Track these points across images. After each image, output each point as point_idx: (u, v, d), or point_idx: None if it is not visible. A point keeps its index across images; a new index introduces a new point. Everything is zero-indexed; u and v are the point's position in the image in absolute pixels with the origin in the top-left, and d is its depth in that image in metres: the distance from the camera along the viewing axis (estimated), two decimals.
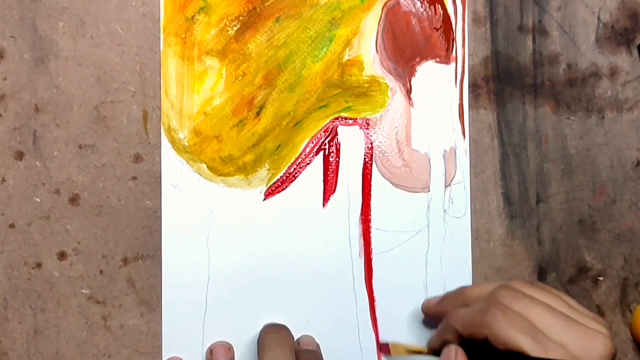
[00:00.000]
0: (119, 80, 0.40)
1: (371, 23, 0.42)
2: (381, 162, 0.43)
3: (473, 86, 0.44)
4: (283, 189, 0.41)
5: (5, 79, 0.39)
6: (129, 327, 0.40)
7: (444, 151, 0.43)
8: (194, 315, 0.40)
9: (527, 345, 0.34)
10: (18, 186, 0.39)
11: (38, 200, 0.39)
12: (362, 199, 0.42)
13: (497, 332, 0.35)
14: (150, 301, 0.40)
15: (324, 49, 0.42)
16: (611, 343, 0.34)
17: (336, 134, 0.42)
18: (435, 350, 0.39)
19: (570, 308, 0.36)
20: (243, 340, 0.41)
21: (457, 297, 0.41)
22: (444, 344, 0.38)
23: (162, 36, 0.40)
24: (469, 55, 0.44)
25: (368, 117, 0.42)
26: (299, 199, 0.41)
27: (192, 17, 0.40)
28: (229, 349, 0.40)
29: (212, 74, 0.41)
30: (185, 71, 0.40)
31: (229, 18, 0.41)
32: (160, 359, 0.40)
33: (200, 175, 0.40)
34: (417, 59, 0.43)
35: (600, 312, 0.45)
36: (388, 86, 0.43)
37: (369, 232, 0.42)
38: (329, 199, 0.42)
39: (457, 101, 0.43)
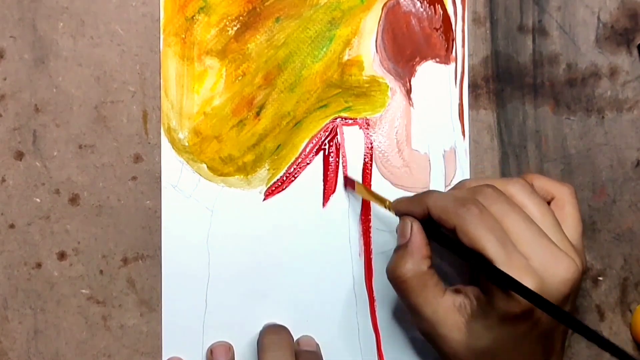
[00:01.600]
0: (119, 80, 0.40)
1: (371, 23, 0.42)
2: (381, 162, 0.43)
3: (473, 86, 0.44)
4: (283, 189, 0.41)
5: (5, 79, 0.39)
6: (129, 327, 0.40)
7: (444, 151, 0.43)
8: (194, 315, 0.40)
9: (491, 247, 0.33)
10: (18, 186, 0.39)
11: (38, 200, 0.39)
12: (362, 199, 0.42)
13: (467, 226, 0.34)
14: (150, 301, 0.40)
15: (324, 49, 0.42)
16: (575, 268, 0.34)
17: (336, 134, 0.42)
18: (395, 211, 0.39)
19: (552, 227, 0.35)
20: (243, 340, 0.41)
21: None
22: (405, 213, 0.38)
23: (162, 36, 0.40)
24: (469, 55, 0.44)
25: (368, 117, 0.42)
26: (299, 199, 0.41)
27: (192, 17, 0.40)
28: (229, 349, 0.40)
29: (212, 74, 0.41)
30: (185, 71, 0.40)
31: (229, 18, 0.41)
32: (160, 359, 0.40)
33: (200, 175, 0.40)
34: (417, 59, 0.43)
35: (600, 312, 0.45)
36: (388, 86, 0.43)
37: (369, 232, 0.42)
38: (329, 199, 0.42)
39: (457, 101, 0.43)
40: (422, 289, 0.35)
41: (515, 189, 0.36)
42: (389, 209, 0.39)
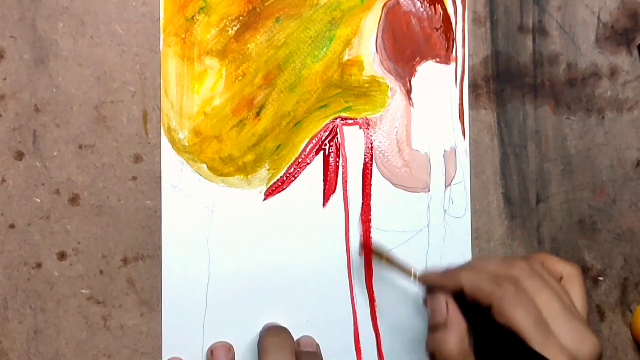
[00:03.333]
0: (119, 80, 0.40)
1: (371, 23, 0.42)
2: (381, 162, 0.43)
3: (473, 86, 0.44)
4: (283, 189, 0.41)
5: (5, 79, 0.39)
6: (129, 327, 0.40)
7: (444, 151, 0.43)
8: (194, 315, 0.40)
9: (528, 327, 0.33)
10: (18, 186, 0.39)
11: (38, 200, 0.39)
12: (362, 199, 0.42)
13: (503, 305, 0.34)
14: (150, 301, 0.40)
15: (324, 49, 0.42)
16: (599, 346, 0.34)
17: (336, 134, 0.42)
18: (424, 284, 0.38)
19: (572, 306, 0.36)
20: (243, 340, 0.41)
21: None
22: (434, 289, 0.37)
23: (162, 36, 0.40)
24: (469, 55, 0.44)
25: (368, 117, 0.42)
26: (299, 199, 0.41)
27: (192, 17, 0.40)
28: (229, 349, 0.40)
29: (212, 74, 0.41)
30: (185, 71, 0.40)
31: (229, 18, 0.41)
32: (160, 359, 0.40)
33: (200, 175, 0.40)
34: (417, 59, 0.43)
35: (600, 312, 0.45)
36: (388, 86, 0.43)
37: (369, 232, 0.42)
38: (329, 199, 0.42)
39: (457, 101, 0.43)
40: None
41: (538, 265, 0.37)
42: (415, 280, 0.39)
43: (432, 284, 0.38)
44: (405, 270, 0.40)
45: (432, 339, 0.36)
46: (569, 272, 0.38)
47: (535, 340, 0.33)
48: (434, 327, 0.36)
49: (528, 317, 0.34)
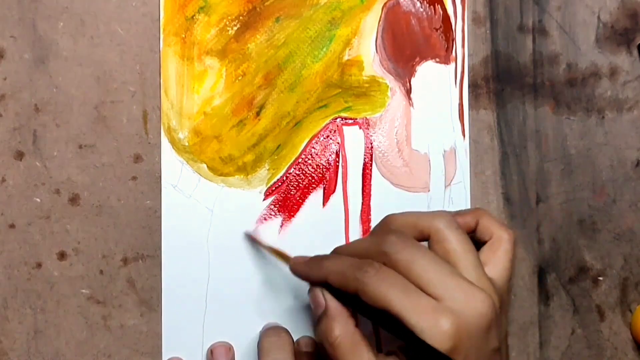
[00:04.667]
0: (119, 80, 0.40)
1: (371, 23, 0.42)
2: (381, 162, 0.43)
3: (473, 86, 0.44)
4: (283, 189, 0.41)
5: (5, 79, 0.39)
6: (129, 327, 0.40)
7: (444, 151, 0.43)
8: (194, 315, 0.40)
9: (395, 300, 0.32)
10: (18, 186, 0.39)
11: (38, 200, 0.39)
12: (362, 199, 0.42)
13: (366, 288, 0.33)
14: (150, 301, 0.40)
15: (324, 49, 0.42)
16: (490, 302, 0.33)
17: (336, 133, 0.42)
18: (293, 272, 0.38)
19: (471, 264, 0.35)
20: (243, 340, 0.41)
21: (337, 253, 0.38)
22: (303, 276, 0.37)
23: (162, 36, 0.40)
24: (469, 55, 0.44)
25: (368, 117, 0.42)
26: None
27: (192, 17, 0.40)
28: (229, 349, 0.40)
29: (212, 74, 0.41)
30: (185, 71, 0.40)
31: (229, 18, 0.41)
32: (160, 359, 0.40)
33: (200, 175, 0.40)
34: (417, 59, 0.43)
35: (600, 312, 0.45)
36: (388, 86, 0.43)
37: (369, 232, 0.42)
38: (329, 199, 0.42)
39: (457, 101, 0.43)
40: (356, 350, 0.34)
41: (440, 223, 0.36)
42: (290, 268, 0.39)
43: (299, 274, 0.38)
44: (285, 259, 0.39)
45: (317, 330, 0.36)
46: (500, 236, 0.38)
47: (405, 310, 0.32)
48: (318, 320, 0.36)
49: (393, 290, 0.33)
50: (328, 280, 0.35)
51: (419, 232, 0.36)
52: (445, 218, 0.36)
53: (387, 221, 0.38)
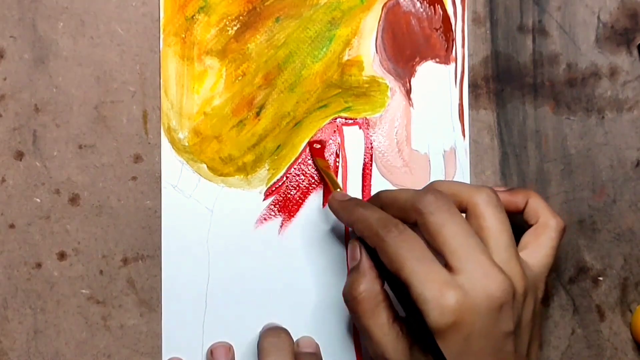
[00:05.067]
0: (119, 80, 0.40)
1: (371, 23, 0.42)
2: (381, 162, 0.43)
3: (473, 86, 0.44)
4: (283, 189, 0.41)
5: (5, 79, 0.39)
6: (129, 327, 0.40)
7: (444, 151, 0.43)
8: (194, 315, 0.40)
9: (408, 265, 0.32)
10: (18, 186, 0.39)
11: (38, 200, 0.39)
12: (362, 199, 0.42)
13: (385, 247, 0.33)
14: (150, 301, 0.40)
15: (324, 49, 0.42)
16: (507, 287, 0.32)
17: (336, 134, 0.42)
18: (329, 205, 0.38)
19: (504, 245, 0.34)
20: (243, 340, 0.41)
21: (376, 199, 0.37)
22: (335, 213, 0.37)
23: (162, 36, 0.40)
24: (469, 55, 0.44)
25: (368, 117, 0.42)
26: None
27: (192, 17, 0.40)
28: (229, 349, 0.40)
29: (212, 74, 0.41)
30: (185, 71, 0.40)
31: (229, 18, 0.41)
32: (160, 359, 0.40)
33: (200, 175, 0.40)
34: (417, 59, 0.43)
35: (600, 312, 0.45)
36: (388, 86, 0.43)
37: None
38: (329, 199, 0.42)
39: (457, 101, 0.43)
40: (375, 310, 0.34)
41: (480, 198, 0.35)
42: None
43: (333, 211, 0.38)
44: (333, 185, 0.39)
45: (346, 283, 0.36)
46: (548, 222, 0.37)
47: (416, 278, 0.31)
48: (350, 272, 0.36)
49: (409, 254, 0.32)
50: (354, 228, 0.35)
51: (459, 202, 0.35)
52: (486, 193, 0.35)
53: (432, 184, 0.37)
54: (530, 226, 0.38)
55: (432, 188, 0.37)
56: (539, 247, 0.37)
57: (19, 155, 0.39)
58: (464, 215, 0.35)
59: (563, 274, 0.45)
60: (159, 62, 0.40)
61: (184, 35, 0.40)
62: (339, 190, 0.39)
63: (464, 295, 0.31)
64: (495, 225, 0.34)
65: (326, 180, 0.40)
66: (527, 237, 0.38)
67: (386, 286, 0.35)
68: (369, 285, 0.35)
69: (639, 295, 0.45)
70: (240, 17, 0.41)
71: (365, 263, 0.35)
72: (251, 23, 0.41)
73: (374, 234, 0.34)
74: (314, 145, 0.41)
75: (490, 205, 0.35)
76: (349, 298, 0.35)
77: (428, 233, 0.33)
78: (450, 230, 0.33)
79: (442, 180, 0.38)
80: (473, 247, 0.33)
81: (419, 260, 0.32)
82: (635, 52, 0.45)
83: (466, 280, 0.32)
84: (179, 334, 0.40)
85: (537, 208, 0.38)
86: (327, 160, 0.41)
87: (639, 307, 0.45)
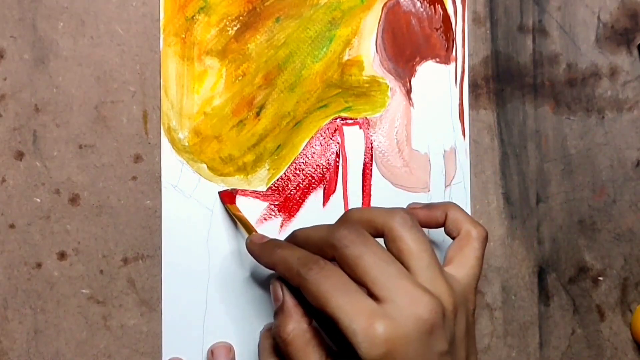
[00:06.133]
0: (119, 80, 0.40)
1: (371, 23, 0.42)
2: (381, 162, 0.43)
3: (473, 86, 0.44)
4: (283, 189, 0.41)
5: (5, 79, 0.39)
6: (129, 327, 0.40)
7: (444, 151, 0.43)
8: (194, 315, 0.40)
9: (333, 301, 0.31)
10: (18, 186, 0.39)
11: (38, 200, 0.39)
12: (362, 199, 0.42)
13: (308, 286, 0.32)
14: (150, 301, 0.40)
15: (324, 49, 0.42)
16: (435, 307, 0.31)
17: (336, 134, 0.42)
18: (248, 249, 0.38)
19: (426, 265, 0.33)
20: (244, 340, 0.41)
21: (293, 238, 0.37)
22: (255, 257, 0.37)
23: (162, 36, 0.40)
24: (469, 55, 0.44)
25: (368, 117, 0.42)
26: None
27: (192, 17, 0.40)
28: (229, 349, 0.40)
29: (212, 74, 0.41)
30: (185, 71, 0.40)
31: (229, 18, 0.41)
32: (160, 359, 0.40)
33: (200, 175, 0.40)
34: (417, 59, 0.43)
35: (600, 312, 0.45)
36: (388, 86, 0.43)
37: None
38: (329, 198, 0.42)
39: (457, 101, 0.43)
40: (306, 350, 0.34)
41: (395, 222, 0.34)
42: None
43: (252, 254, 0.37)
44: (248, 230, 0.39)
45: (273, 324, 0.35)
46: (468, 232, 0.37)
47: (343, 312, 0.31)
48: (275, 313, 0.36)
49: (332, 289, 0.31)
50: (275, 270, 0.35)
51: (375, 229, 0.35)
52: (400, 215, 0.34)
53: (346, 215, 0.37)
54: (453, 239, 0.38)
55: (345, 220, 0.36)
56: (464, 259, 0.37)
57: (19, 155, 0.39)
58: (381, 240, 0.35)
59: (563, 274, 0.45)
60: (159, 62, 0.40)
61: (184, 36, 0.40)
62: (254, 233, 0.38)
63: (393, 323, 0.31)
64: (414, 247, 0.34)
65: (240, 225, 0.39)
66: (451, 250, 0.37)
67: (316, 323, 0.35)
68: (296, 325, 0.34)
69: (639, 295, 0.45)
70: (241, 17, 0.41)
71: (289, 302, 0.35)
72: (251, 23, 0.41)
73: (295, 274, 0.33)
74: (227, 191, 0.40)
75: (405, 227, 0.34)
76: (279, 340, 0.35)
77: (347, 267, 0.33)
78: (368, 260, 0.32)
79: (355, 209, 0.37)
80: (394, 273, 0.32)
81: (343, 293, 0.31)
82: (635, 52, 0.45)
83: (393, 307, 0.31)
84: (179, 334, 0.40)
85: (457, 220, 0.38)
86: (238, 207, 0.40)
87: (639, 307, 0.45)
